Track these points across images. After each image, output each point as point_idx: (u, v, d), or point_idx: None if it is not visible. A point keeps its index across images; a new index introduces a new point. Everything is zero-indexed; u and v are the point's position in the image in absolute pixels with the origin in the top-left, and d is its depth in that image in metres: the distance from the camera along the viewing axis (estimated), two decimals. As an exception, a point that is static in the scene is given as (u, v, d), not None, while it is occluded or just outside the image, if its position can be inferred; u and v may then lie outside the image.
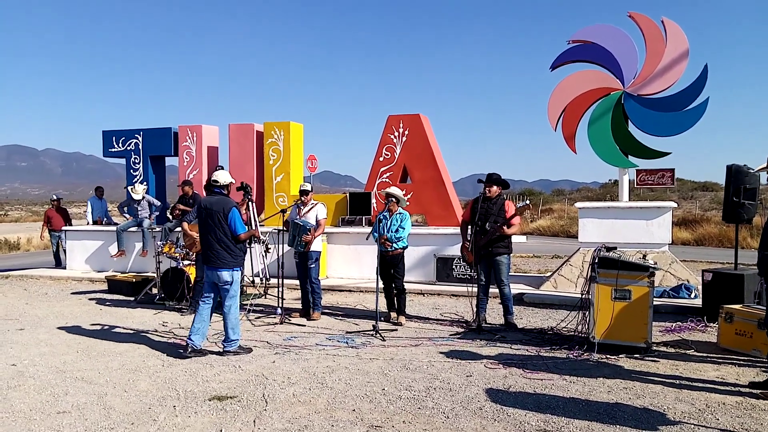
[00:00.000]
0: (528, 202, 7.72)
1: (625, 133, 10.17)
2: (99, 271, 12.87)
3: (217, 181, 6.49)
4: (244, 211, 8.16)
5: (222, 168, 13.04)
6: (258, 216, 13.43)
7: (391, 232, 7.70)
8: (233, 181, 6.69)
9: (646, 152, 10.14)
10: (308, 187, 8.31)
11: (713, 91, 9.76)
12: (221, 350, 6.25)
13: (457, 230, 9.56)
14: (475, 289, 7.54)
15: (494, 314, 8.12)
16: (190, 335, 6.23)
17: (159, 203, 12.83)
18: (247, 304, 9.03)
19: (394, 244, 7.69)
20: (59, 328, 7.70)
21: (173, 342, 6.82)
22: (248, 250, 7.73)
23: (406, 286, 8.07)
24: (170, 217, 12.07)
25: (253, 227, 8.24)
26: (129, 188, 12.64)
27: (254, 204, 8.64)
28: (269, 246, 7.81)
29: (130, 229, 12.53)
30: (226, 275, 6.24)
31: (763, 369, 5.49)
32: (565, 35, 10.55)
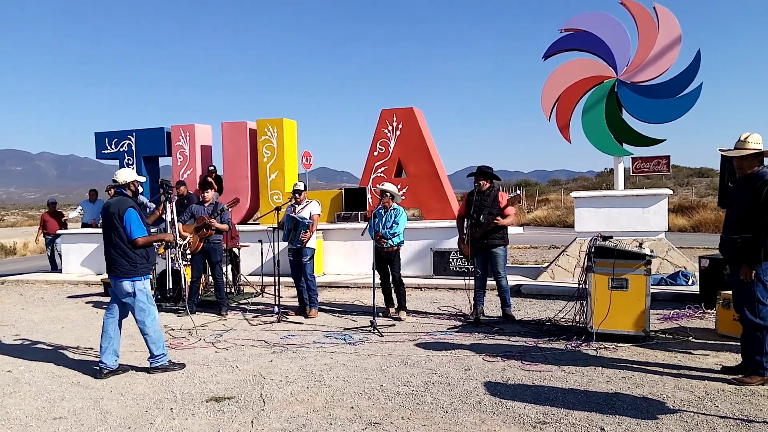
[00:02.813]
0: (518, 192, 7.73)
1: (619, 121, 10.14)
2: (97, 274, 12.81)
3: (116, 181, 5.82)
4: (160, 212, 7.54)
5: (214, 167, 13.05)
6: (254, 214, 13.42)
7: (386, 228, 7.66)
8: (140, 179, 5.94)
9: (640, 140, 10.11)
10: (301, 186, 8.24)
11: (707, 76, 9.75)
12: (148, 367, 5.69)
13: (453, 223, 9.54)
14: (473, 282, 7.51)
15: (492, 306, 8.10)
16: (100, 358, 5.62)
17: (154, 206, 12.77)
18: (245, 304, 9.04)
19: (389, 241, 7.65)
20: (55, 332, 7.66)
21: (170, 344, 6.78)
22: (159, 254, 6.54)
23: (404, 280, 8.02)
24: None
25: (169, 230, 7.41)
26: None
27: (173, 204, 7.91)
28: (187, 251, 7.13)
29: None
30: (126, 285, 5.57)
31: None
32: (558, 23, 10.52)
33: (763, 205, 4.71)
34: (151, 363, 5.69)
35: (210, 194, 8.50)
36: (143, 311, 5.63)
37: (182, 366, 5.78)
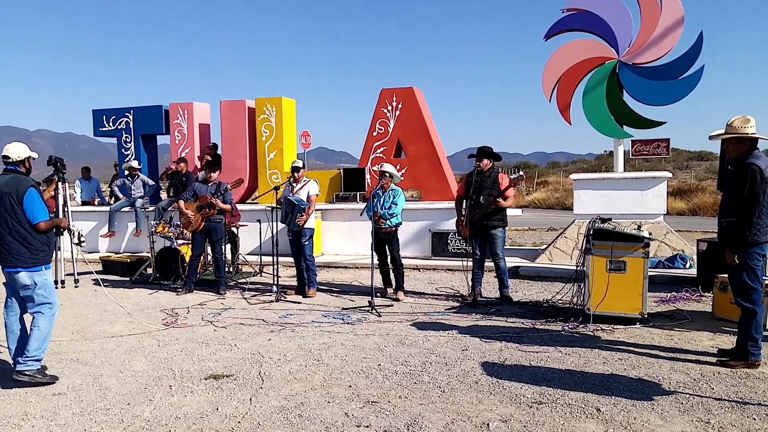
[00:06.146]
0: (521, 173, 7.66)
1: (619, 102, 10.08)
2: (91, 252, 12.81)
3: (8, 157, 4.94)
4: (52, 194, 6.72)
5: (215, 145, 12.98)
6: (252, 193, 13.40)
7: (384, 209, 7.65)
8: (34, 156, 5.15)
9: (641, 122, 10.07)
10: (299, 164, 8.24)
11: (709, 59, 9.67)
12: (12, 365, 4.89)
13: (452, 204, 9.52)
14: (471, 263, 7.53)
15: (490, 288, 8.12)
16: (14, 357, 4.93)
17: (153, 183, 12.74)
18: (243, 283, 9.06)
19: (387, 221, 7.64)
20: (54, 309, 7.66)
21: (168, 322, 6.80)
22: (56, 240, 5.45)
23: (402, 261, 8.03)
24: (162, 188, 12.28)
25: (62, 214, 6.67)
26: (124, 166, 12.58)
27: (66, 184, 7.22)
28: (82, 237, 6.60)
29: (123, 209, 12.45)
30: (23, 277, 4.80)
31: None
32: (560, 3, 10.42)
33: (740, 189, 4.67)
34: (18, 363, 4.79)
35: (216, 174, 8.55)
36: (41, 305, 4.92)
37: (54, 379, 4.88)
